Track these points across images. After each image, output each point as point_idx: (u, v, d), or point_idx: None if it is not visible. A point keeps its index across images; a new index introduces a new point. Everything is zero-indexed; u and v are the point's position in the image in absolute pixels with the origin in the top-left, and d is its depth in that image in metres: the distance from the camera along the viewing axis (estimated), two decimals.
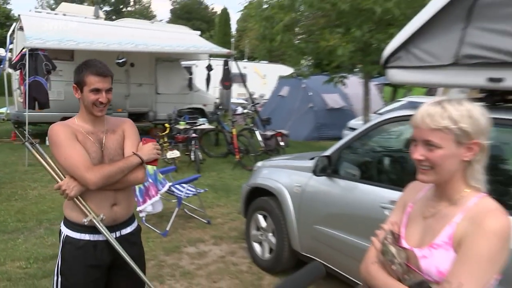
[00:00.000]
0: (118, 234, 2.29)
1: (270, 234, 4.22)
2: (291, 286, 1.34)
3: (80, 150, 2.13)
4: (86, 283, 2.23)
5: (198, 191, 5.39)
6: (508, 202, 2.40)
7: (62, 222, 2.30)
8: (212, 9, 51.14)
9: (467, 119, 1.29)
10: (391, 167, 3.69)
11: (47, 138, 2.30)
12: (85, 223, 2.17)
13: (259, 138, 8.73)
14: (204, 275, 4.05)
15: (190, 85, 12.43)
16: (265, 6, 7.75)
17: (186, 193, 5.15)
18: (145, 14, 40.55)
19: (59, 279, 2.24)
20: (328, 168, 3.58)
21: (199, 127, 8.95)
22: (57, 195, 6.25)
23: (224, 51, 9.98)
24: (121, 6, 27.87)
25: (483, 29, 2.68)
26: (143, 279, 2.32)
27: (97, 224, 2.17)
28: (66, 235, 2.24)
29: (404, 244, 1.44)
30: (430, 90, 16.19)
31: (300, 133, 12.06)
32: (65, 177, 2.17)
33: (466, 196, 1.35)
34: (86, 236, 2.21)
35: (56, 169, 2.19)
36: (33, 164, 7.71)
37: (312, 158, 3.97)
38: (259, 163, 4.79)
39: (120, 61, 9.52)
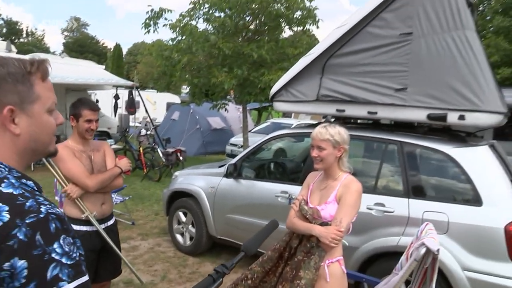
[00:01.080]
0: (106, 225, 2.72)
1: (190, 226, 4.76)
2: (258, 238, 1.66)
3: (79, 164, 2.55)
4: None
5: (124, 198, 5.69)
6: None
7: None
8: (103, 43, 48.97)
9: (337, 135, 2.15)
10: (278, 169, 4.59)
11: None
12: (83, 218, 2.58)
13: (160, 154, 9.08)
14: (141, 263, 4.44)
15: None
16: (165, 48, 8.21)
17: (114, 200, 5.42)
18: (39, 46, 36.90)
19: None
20: (235, 172, 4.30)
21: None
22: None
23: (129, 83, 10.18)
24: (13, 37, 25.05)
25: (331, 79, 3.70)
26: (121, 257, 2.78)
27: (92, 219, 2.59)
28: None
29: (310, 205, 2.24)
30: (284, 114, 18.15)
31: (191, 149, 12.55)
32: (68, 184, 2.56)
33: (340, 175, 2.21)
34: (84, 228, 2.60)
35: (63, 177, 2.57)
36: None
37: (221, 166, 4.66)
38: (177, 173, 5.28)
39: None
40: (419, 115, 3.18)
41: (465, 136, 3.49)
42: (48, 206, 0.87)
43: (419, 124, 3.54)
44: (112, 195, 5.47)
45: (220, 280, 1.38)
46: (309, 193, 2.31)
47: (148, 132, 9.43)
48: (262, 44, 7.77)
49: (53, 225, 0.84)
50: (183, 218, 4.84)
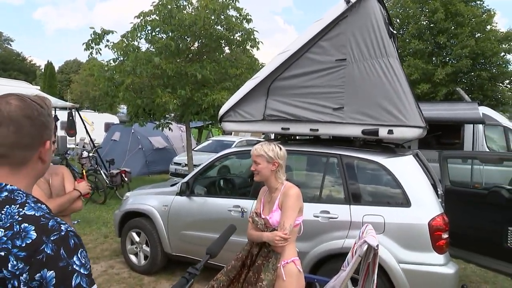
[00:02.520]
0: None
1: (144, 245, 4.78)
2: (220, 241, 1.94)
3: (36, 188, 2.58)
4: None
5: (73, 222, 5.52)
6: None
7: None
8: (31, 61, 45.67)
9: (271, 151, 2.46)
10: (229, 185, 4.80)
11: None
12: None
13: (104, 176, 8.86)
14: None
15: None
16: (106, 68, 8.12)
17: None
18: None
19: None
20: (187, 190, 4.44)
21: None
22: None
23: (69, 104, 9.85)
24: None
25: (275, 100, 4.02)
26: None
27: None
28: None
29: (262, 216, 2.50)
30: (224, 132, 18.47)
31: (133, 170, 12.21)
32: None
33: (279, 186, 2.50)
34: None
35: None
36: None
37: (172, 185, 4.77)
38: (128, 193, 5.27)
39: None
40: (355, 131, 3.61)
41: (394, 148, 3.98)
42: (66, 225, 1.02)
43: (355, 139, 3.97)
44: None
45: (192, 281, 1.59)
46: (262, 206, 2.58)
47: (91, 154, 9.16)
48: (205, 65, 7.99)
49: (72, 241, 0.99)
50: (137, 238, 4.84)
